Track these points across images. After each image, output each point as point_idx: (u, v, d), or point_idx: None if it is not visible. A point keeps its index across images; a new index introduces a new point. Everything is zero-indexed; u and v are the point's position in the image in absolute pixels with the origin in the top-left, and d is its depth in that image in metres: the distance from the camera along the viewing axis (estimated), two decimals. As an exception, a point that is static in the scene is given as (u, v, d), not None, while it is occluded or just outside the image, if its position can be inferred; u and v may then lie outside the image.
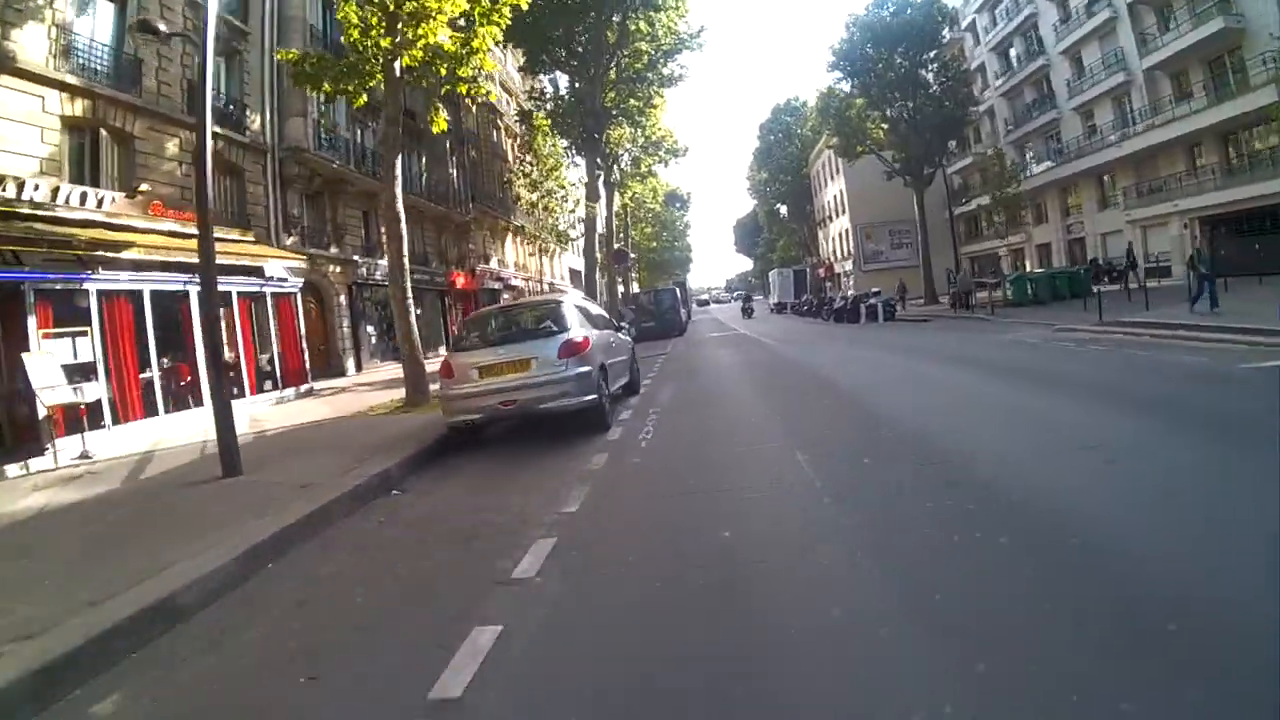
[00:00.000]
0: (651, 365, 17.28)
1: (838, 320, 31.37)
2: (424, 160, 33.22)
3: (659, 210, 60.58)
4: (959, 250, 55.19)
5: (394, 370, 25.96)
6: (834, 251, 63.73)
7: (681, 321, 31.78)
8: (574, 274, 62.21)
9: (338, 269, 25.15)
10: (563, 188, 27.31)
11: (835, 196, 60.45)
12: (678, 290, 32.42)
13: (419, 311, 31.15)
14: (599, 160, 32.51)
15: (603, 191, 35.27)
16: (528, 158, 34.07)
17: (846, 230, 58.19)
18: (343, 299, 25.17)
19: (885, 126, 42.21)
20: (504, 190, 43.28)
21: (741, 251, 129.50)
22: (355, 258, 26.04)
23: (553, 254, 57.42)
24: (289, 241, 22.15)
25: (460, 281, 35.17)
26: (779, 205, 78.65)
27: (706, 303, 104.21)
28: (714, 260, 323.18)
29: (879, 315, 28.38)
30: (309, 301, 23.73)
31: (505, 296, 43.32)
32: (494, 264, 42.33)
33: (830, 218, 64.00)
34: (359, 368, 25.43)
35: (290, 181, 22.38)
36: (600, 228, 35.33)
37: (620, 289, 46.22)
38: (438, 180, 33.26)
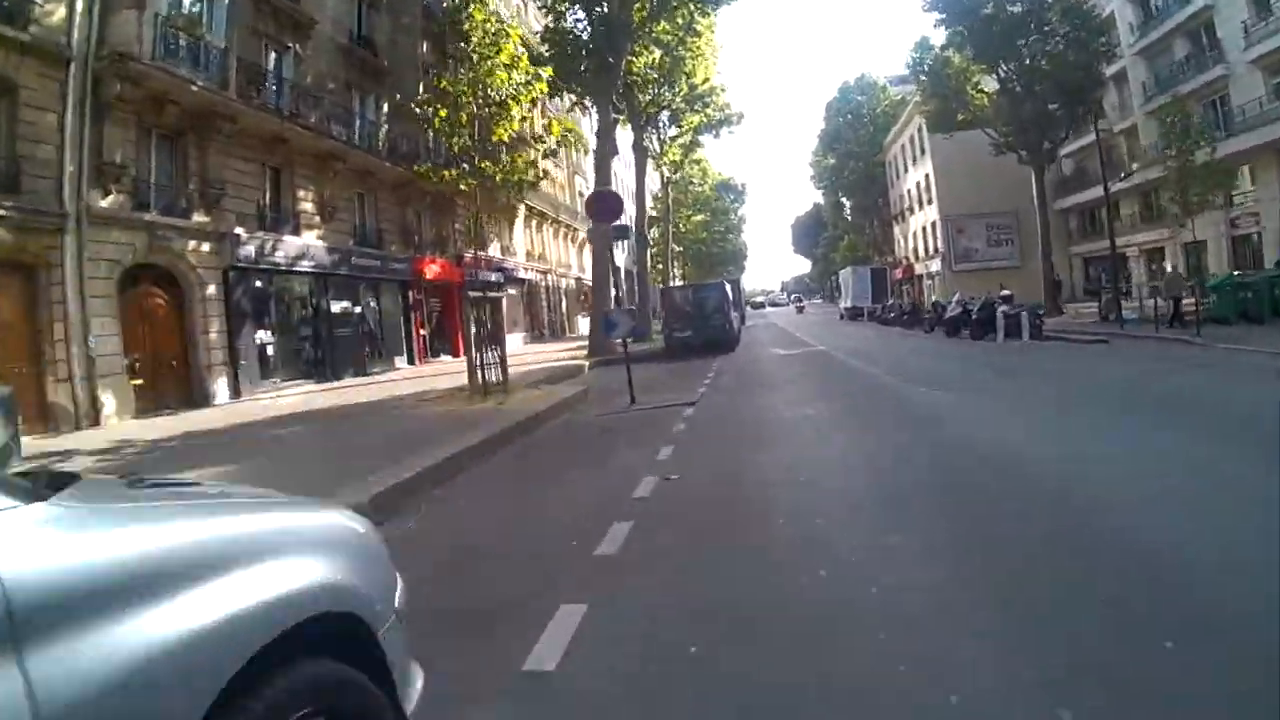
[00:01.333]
0: (671, 425, 9.19)
1: (952, 334, 22.95)
2: (384, 107, 25.61)
3: (709, 194, 52.56)
4: (1069, 250, 46.27)
5: (300, 394, 18.55)
6: (913, 250, 54.83)
7: (732, 331, 23.13)
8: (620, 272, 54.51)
9: (206, 247, 17.65)
10: (525, 72, 14.98)
11: (918, 184, 51.58)
12: (728, 288, 24.04)
13: (356, 308, 23.75)
14: (618, 100, 24.60)
15: (624, 153, 27.41)
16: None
17: (932, 224, 49.30)
18: (212, 289, 17.64)
19: (991, 90, 33.72)
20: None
21: (800, 252, 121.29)
22: (239, 231, 18.55)
23: (580, 243, 49.63)
24: (104, 203, 14.58)
25: (432, 270, 27.49)
26: (845, 199, 69.73)
27: (762, 306, 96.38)
28: (770, 262, 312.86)
29: (1022, 330, 19.77)
30: (152, 296, 16.28)
31: (510, 294, 35.59)
32: (494, 250, 34.53)
33: (909, 210, 55.08)
34: (235, 393, 17.88)
35: (113, 109, 14.80)
36: (629, 206, 27.61)
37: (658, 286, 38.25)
38: (401, 135, 25.49)
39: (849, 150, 61.73)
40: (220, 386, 17.95)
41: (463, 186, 14.56)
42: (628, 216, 52.98)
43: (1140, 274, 39.54)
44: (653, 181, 48.42)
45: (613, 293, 23.28)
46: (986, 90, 35.48)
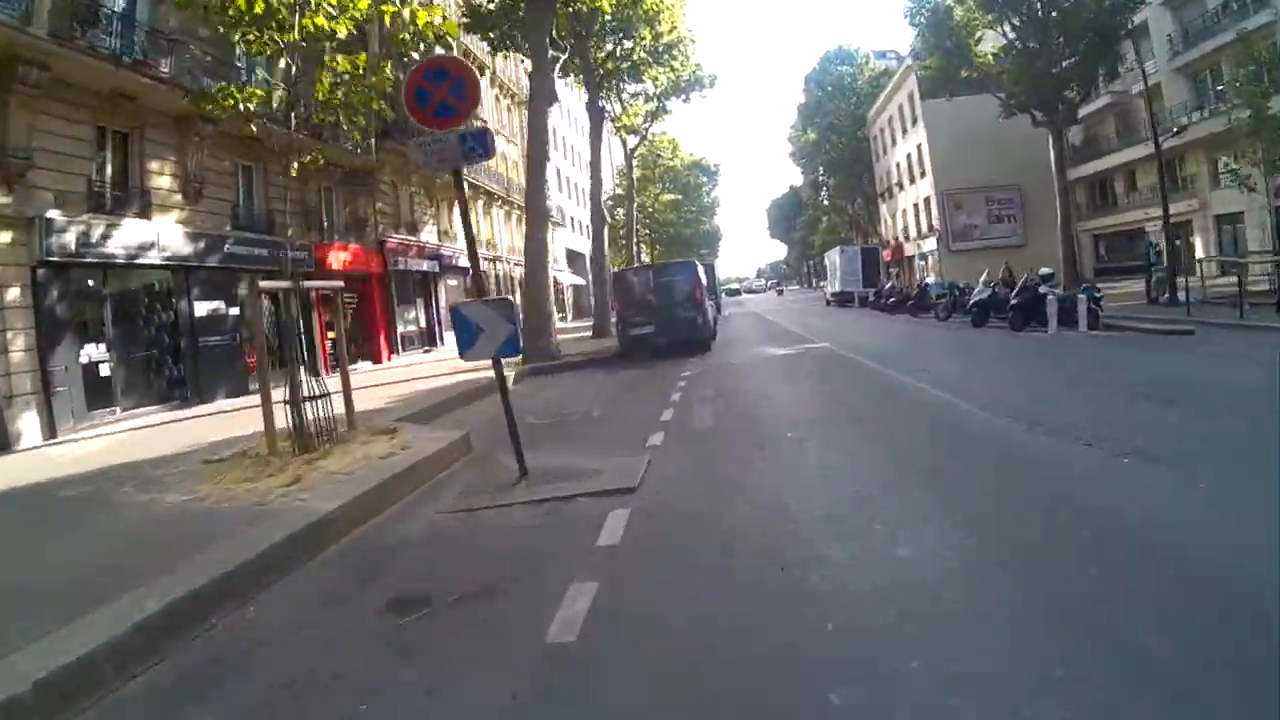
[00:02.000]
0: (568, 570, 5.24)
1: (980, 323, 18.76)
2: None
3: (679, 169, 47.97)
4: (1074, 226, 42.18)
5: (140, 428, 13.81)
6: (902, 230, 50.73)
7: (706, 324, 18.01)
8: (573, 256, 49.54)
9: (4, 237, 12.96)
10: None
11: (909, 156, 47.38)
12: (699, 271, 18.62)
13: (232, 311, 18.73)
14: (559, 38, 20.05)
15: (580, 117, 22.75)
16: None
17: (925, 200, 45.15)
18: (13, 293, 13.06)
19: (997, 46, 29.67)
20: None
21: (776, 236, 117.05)
22: (54, 214, 13.88)
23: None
24: None
25: (340, 259, 22.86)
26: (825, 178, 65.31)
27: (738, 292, 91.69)
28: (745, 247, 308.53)
29: (1079, 318, 15.48)
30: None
31: (450, 284, 30.89)
32: (429, 235, 29.83)
33: (898, 186, 50.90)
34: (51, 431, 13.27)
35: None
36: (581, 178, 23.12)
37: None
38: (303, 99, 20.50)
39: (831, 124, 57.33)
40: (28, 424, 13.25)
41: (247, 105, 9.63)
42: (580, 191, 47.90)
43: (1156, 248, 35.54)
44: (615, 155, 43.65)
45: (556, 282, 18.59)
46: (990, 49, 31.23)
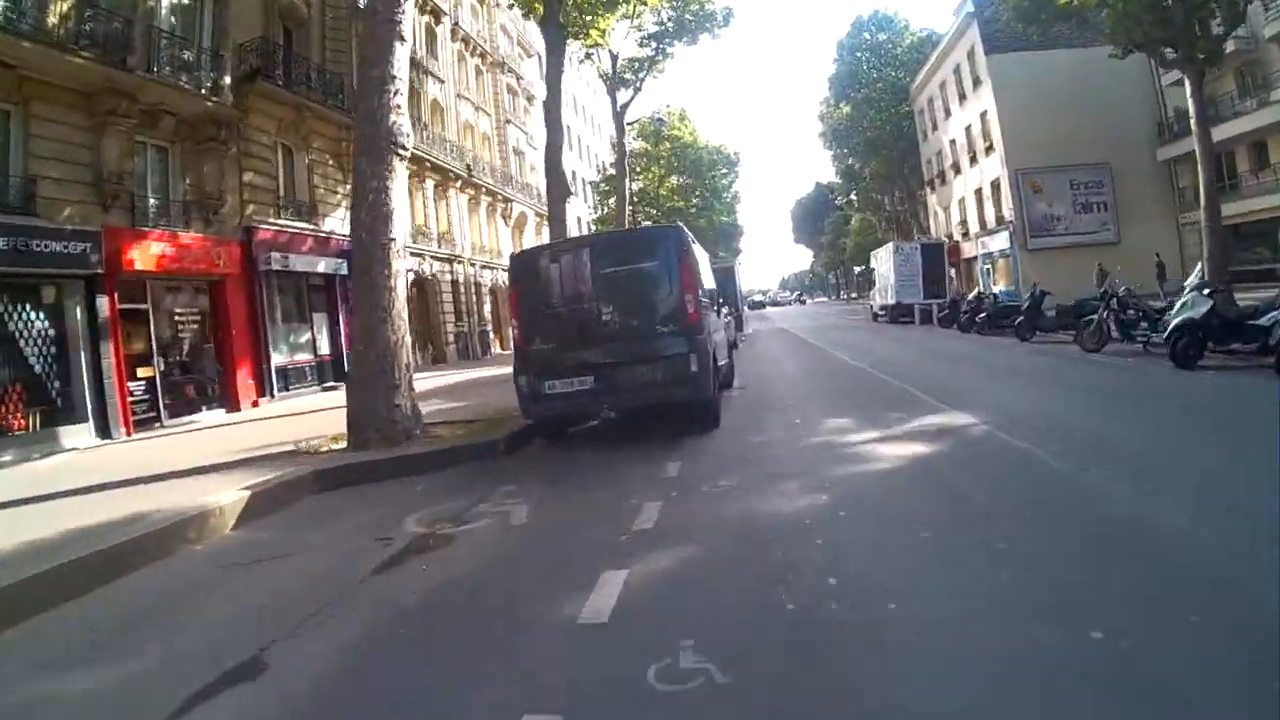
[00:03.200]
0: None
1: (1185, 361, 11.04)
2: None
3: (689, 142, 39.84)
4: (1179, 218, 34.13)
5: None
6: (959, 225, 42.60)
7: (706, 368, 8.32)
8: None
9: None
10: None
11: (969, 130, 39.45)
12: (689, 251, 8.72)
13: None
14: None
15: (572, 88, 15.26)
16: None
17: (993, 183, 37.14)
18: None
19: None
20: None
21: (802, 241, 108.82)
22: None
23: (517, 220, 37.38)
24: None
25: (151, 254, 15.35)
26: (861, 164, 57.19)
27: (762, 305, 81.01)
28: (767, 257, 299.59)
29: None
30: None
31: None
32: (333, 222, 22.18)
33: (953, 170, 42.87)
34: None
35: None
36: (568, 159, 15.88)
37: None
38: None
39: (868, 96, 49.36)
40: None
41: None
42: (593, 154, 40.06)
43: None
44: (605, 121, 35.77)
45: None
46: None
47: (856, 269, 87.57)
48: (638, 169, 37.54)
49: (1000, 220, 36.38)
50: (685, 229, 9.05)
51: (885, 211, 60.32)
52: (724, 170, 55.74)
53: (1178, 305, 11.86)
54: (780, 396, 11.58)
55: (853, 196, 65.33)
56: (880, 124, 49.51)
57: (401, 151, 9.89)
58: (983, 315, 21.24)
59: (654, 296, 8.39)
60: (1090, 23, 25.57)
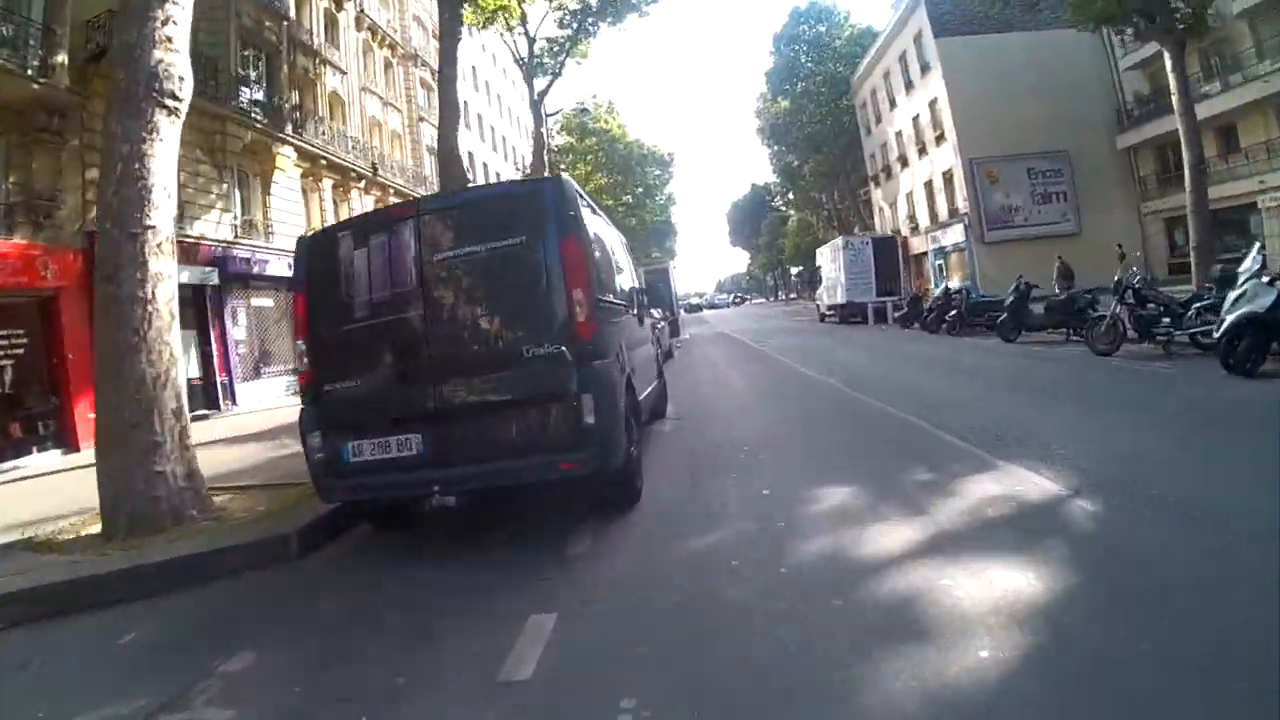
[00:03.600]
0: None
1: (1247, 366, 8.49)
2: None
3: (620, 139, 36.28)
4: (1141, 207, 32.23)
5: None
6: (908, 219, 40.24)
7: (611, 409, 5.08)
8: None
9: None
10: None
11: (916, 121, 37.21)
12: (574, 224, 5.23)
13: None
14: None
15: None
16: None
17: (945, 174, 34.89)
18: None
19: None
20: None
21: (738, 243, 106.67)
22: None
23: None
24: None
25: None
26: (800, 161, 54.73)
27: (699, 308, 79.06)
28: (703, 260, 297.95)
29: None
30: None
31: (259, 305, 19.70)
32: (205, 225, 18.31)
33: (900, 162, 40.59)
34: None
35: None
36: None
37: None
38: None
39: (807, 90, 46.87)
40: None
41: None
42: (511, 148, 36.33)
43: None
44: (525, 115, 32.13)
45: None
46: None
47: (794, 270, 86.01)
48: (561, 165, 34.07)
49: (954, 213, 34.06)
50: (572, 183, 5.52)
51: (825, 210, 58.13)
52: (657, 171, 52.82)
53: (1233, 296, 8.99)
54: (732, 437, 8.28)
55: (791, 195, 63.00)
56: (820, 119, 47.11)
57: (170, 103, 6.46)
58: (953, 313, 18.46)
59: (521, 297, 5.00)
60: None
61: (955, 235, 33.98)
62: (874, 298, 26.80)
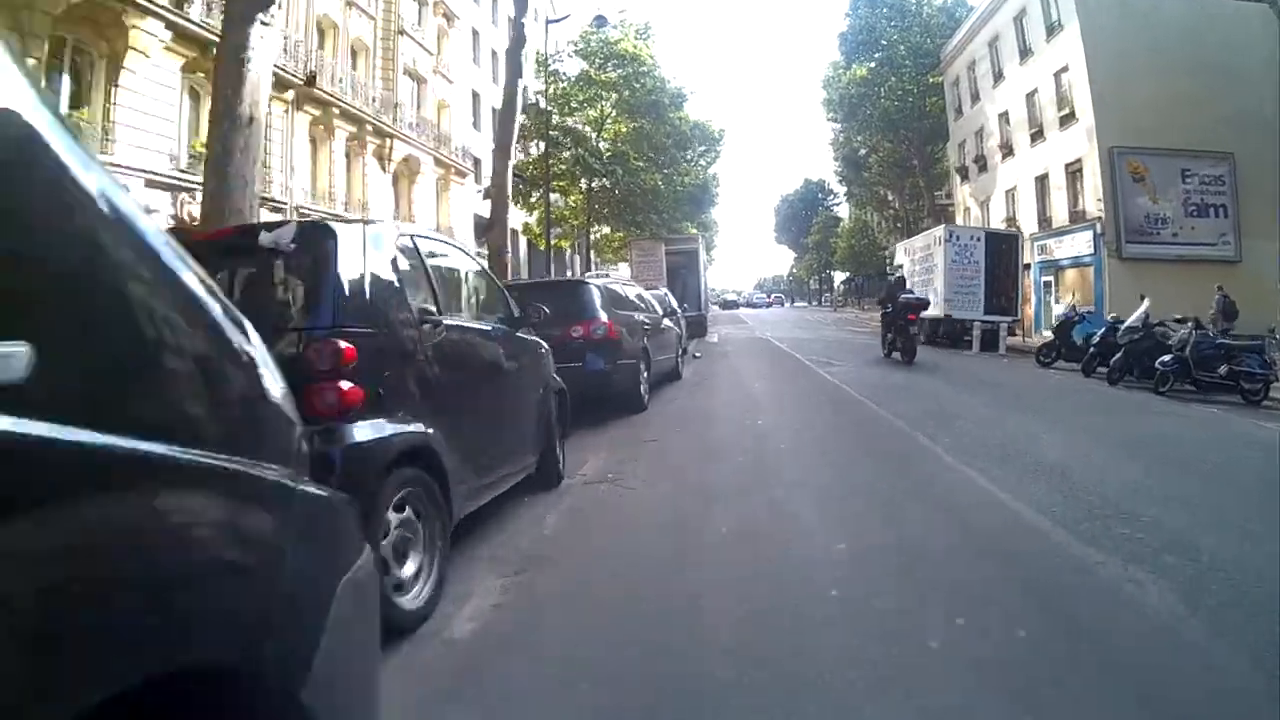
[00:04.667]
0: None
1: None
2: None
3: (644, 60, 27.42)
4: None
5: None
6: (1006, 221, 32.45)
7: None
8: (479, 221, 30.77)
9: None
10: None
11: (1033, 96, 29.73)
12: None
13: None
14: None
15: None
16: None
17: (1069, 167, 27.26)
18: None
19: None
20: None
21: (784, 241, 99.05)
22: None
23: (406, 168, 26.90)
24: None
25: None
26: (865, 149, 47.35)
27: (735, 305, 75.33)
28: (744, 258, 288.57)
29: None
30: None
31: None
32: None
33: (1001, 151, 32.93)
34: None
35: None
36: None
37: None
38: None
39: (889, 58, 39.36)
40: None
41: None
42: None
43: None
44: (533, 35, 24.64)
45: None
46: None
47: (839, 277, 79.07)
48: (575, 101, 26.65)
49: (1079, 217, 26.44)
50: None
51: (891, 209, 50.74)
52: (704, 149, 45.43)
53: None
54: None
55: (850, 190, 55.62)
56: (901, 94, 39.62)
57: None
58: (1169, 361, 11.16)
59: None
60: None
61: (1077, 246, 26.37)
62: (982, 315, 19.62)
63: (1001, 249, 20.82)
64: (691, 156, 33.71)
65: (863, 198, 54.61)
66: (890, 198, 50.19)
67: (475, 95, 35.38)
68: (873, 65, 40.76)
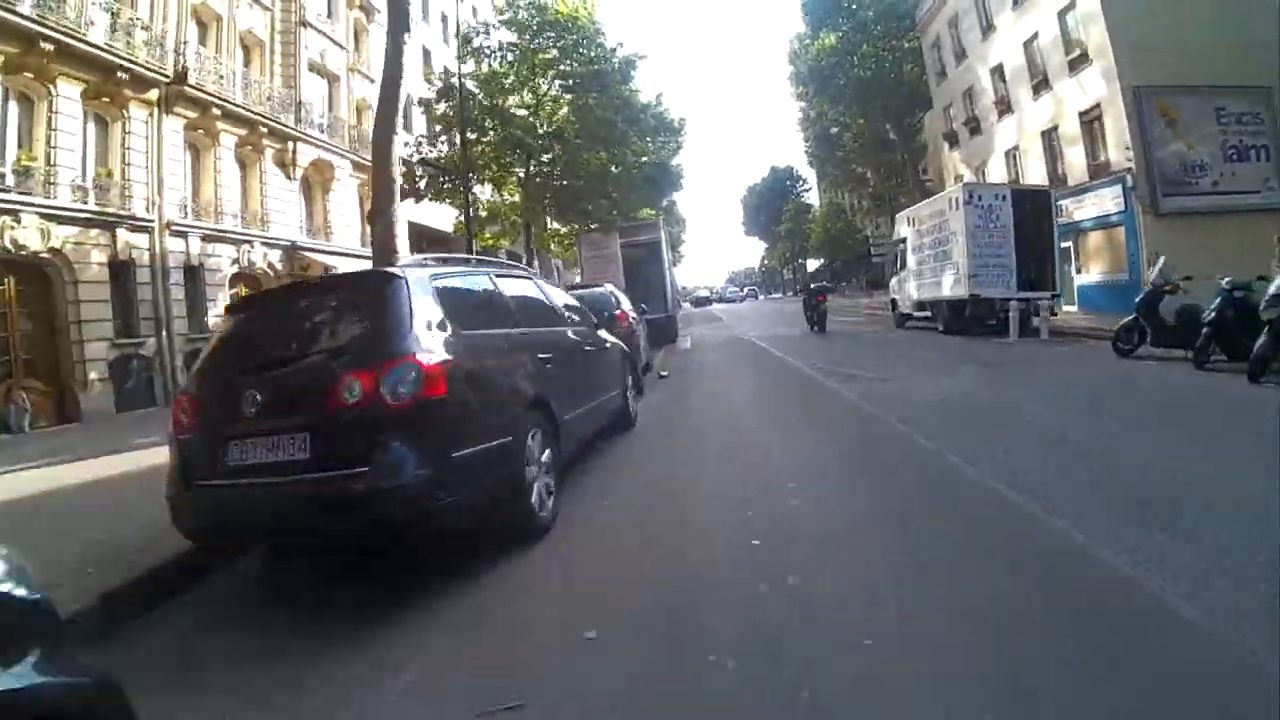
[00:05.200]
0: None
1: None
2: None
3: (590, 33, 22.65)
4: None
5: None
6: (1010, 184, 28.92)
7: None
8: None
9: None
10: None
11: (1031, 46, 26.28)
12: None
13: None
14: None
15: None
16: None
17: (1085, 115, 23.89)
18: None
19: None
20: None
21: (754, 232, 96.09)
22: None
23: (315, 172, 23.02)
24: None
25: None
26: (836, 127, 43.98)
27: (708, 301, 72.36)
28: (713, 251, 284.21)
29: None
30: None
31: None
32: None
33: (997, 110, 29.50)
34: None
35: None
36: None
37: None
38: None
39: (860, 23, 35.89)
40: None
41: None
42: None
43: None
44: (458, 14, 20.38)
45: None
46: None
47: (812, 264, 76.00)
48: (507, 82, 22.38)
49: (1102, 170, 22.95)
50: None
51: (869, 188, 47.40)
52: (663, 139, 41.65)
53: None
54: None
55: (825, 168, 52.10)
56: (876, 61, 36.16)
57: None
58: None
59: None
60: None
61: (1102, 204, 22.86)
62: (1015, 291, 16.05)
63: (1033, 208, 17.18)
64: (646, 134, 28.95)
65: (837, 178, 51.16)
66: (868, 176, 46.80)
67: (426, 52, 31.38)
68: (841, 33, 37.18)
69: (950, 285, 17.88)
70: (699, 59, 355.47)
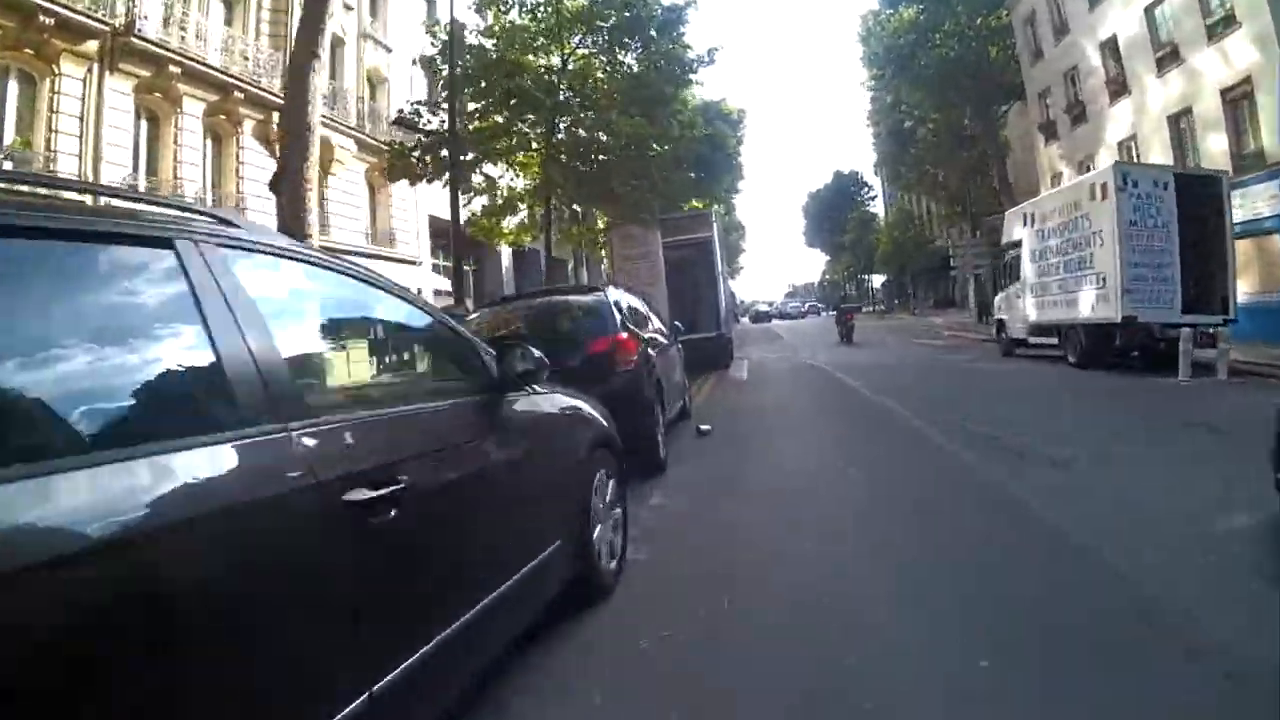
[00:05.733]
0: None
1: None
2: None
3: None
4: None
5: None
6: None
7: None
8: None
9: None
10: None
11: (1153, 13, 21.98)
12: None
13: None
14: None
15: None
16: None
17: (1229, 93, 19.60)
18: None
19: None
20: None
21: (815, 243, 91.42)
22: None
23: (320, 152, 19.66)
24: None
25: None
26: (910, 121, 39.97)
27: (768, 317, 68.17)
28: (771, 263, 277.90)
29: None
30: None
31: None
32: None
33: (1108, 91, 25.26)
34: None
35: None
36: None
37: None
38: None
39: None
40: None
41: None
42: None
43: None
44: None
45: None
46: None
47: (878, 279, 71.44)
48: (529, 34, 18.20)
49: (1257, 162, 18.63)
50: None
51: (944, 190, 43.05)
52: (726, 130, 37.83)
53: None
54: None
55: (896, 169, 47.99)
56: (958, 41, 32.06)
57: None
58: None
59: None
60: None
61: (1252, 205, 18.48)
62: (1180, 314, 12.10)
63: (1201, 200, 13.11)
64: (693, 106, 24.11)
65: (909, 180, 46.81)
66: (942, 177, 42.49)
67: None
68: (922, 5, 33.08)
69: (1091, 304, 13.64)
70: (759, 54, 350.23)
